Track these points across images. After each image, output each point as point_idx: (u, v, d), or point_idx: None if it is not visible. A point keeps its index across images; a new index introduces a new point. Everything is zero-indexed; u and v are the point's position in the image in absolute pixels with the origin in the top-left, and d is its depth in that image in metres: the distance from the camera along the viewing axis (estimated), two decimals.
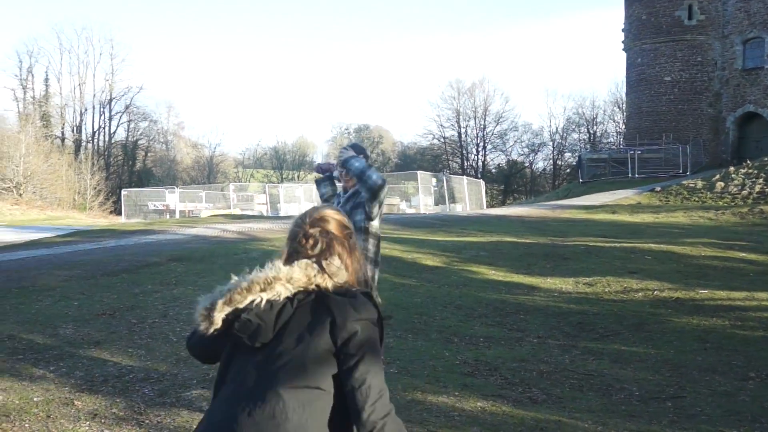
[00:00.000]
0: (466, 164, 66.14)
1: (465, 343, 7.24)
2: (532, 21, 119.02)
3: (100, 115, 66.43)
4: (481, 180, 41.41)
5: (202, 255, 11.25)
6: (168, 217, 33.95)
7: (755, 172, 26.79)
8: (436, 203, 31.97)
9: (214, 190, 40.22)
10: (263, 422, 1.94)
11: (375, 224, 4.59)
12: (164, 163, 71.63)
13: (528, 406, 5.27)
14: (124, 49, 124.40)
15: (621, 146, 46.10)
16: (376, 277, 4.69)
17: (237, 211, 31.42)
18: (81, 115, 65.85)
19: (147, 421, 4.33)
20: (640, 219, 20.91)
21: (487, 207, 36.85)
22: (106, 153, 65.86)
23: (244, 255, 11.22)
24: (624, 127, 51.00)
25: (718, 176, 27.79)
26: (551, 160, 66.08)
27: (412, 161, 66.68)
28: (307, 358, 2.01)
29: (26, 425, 4.16)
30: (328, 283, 2.09)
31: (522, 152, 67.20)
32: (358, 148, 4.61)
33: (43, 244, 14.76)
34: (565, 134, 65.30)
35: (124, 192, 40.45)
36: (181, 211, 35.98)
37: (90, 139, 66.61)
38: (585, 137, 64.00)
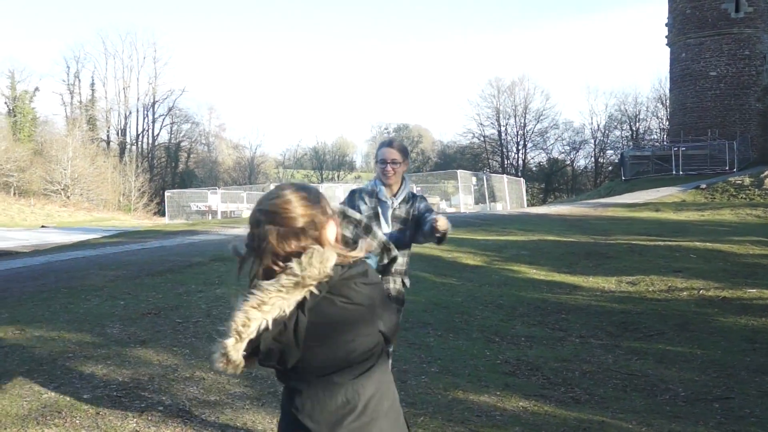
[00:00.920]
0: (506, 163, 65.71)
1: (506, 342, 7.20)
2: (573, 17, 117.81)
3: (144, 118, 68.00)
4: (522, 178, 41.12)
5: None
6: (210, 217, 34.44)
7: None
8: (477, 202, 31.84)
9: (255, 191, 40.66)
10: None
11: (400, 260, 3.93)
12: (206, 165, 72.75)
13: (571, 406, 5.23)
14: (167, 53, 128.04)
15: (664, 143, 45.20)
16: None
17: None
18: (125, 118, 67.45)
19: (192, 419, 4.41)
20: (684, 217, 20.49)
21: (528, 206, 36.54)
22: (149, 155, 67.21)
23: None
24: (668, 123, 50.03)
25: (766, 173, 27.10)
26: (593, 158, 65.27)
27: (452, 160, 66.50)
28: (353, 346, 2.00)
29: (77, 421, 4.26)
30: (320, 274, 1.92)
31: (563, 150, 66.56)
32: (404, 151, 4.20)
33: (91, 245, 15.14)
34: (606, 131, 64.48)
35: (167, 193, 41.16)
36: (222, 211, 36.49)
37: (134, 141, 68.11)
38: (627, 134, 63.06)
